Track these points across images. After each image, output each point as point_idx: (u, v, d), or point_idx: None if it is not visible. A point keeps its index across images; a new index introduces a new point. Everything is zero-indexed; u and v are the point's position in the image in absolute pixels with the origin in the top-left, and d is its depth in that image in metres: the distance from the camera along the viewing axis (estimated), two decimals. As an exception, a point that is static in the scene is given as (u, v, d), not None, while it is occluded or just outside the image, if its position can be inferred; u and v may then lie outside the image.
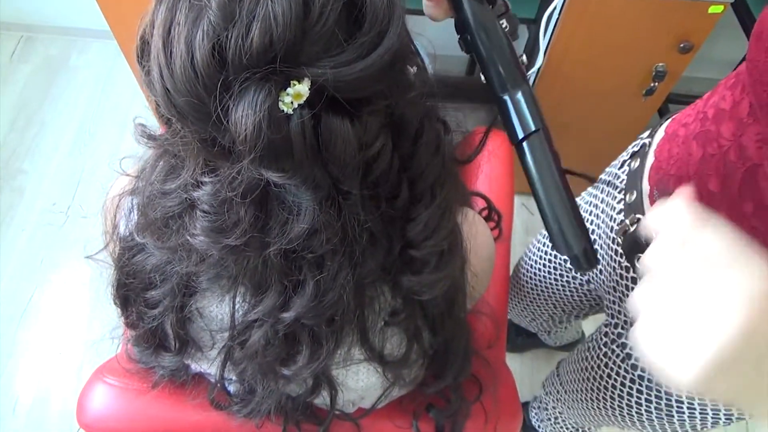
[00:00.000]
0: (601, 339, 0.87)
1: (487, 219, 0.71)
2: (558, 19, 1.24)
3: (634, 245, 0.68)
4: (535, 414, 1.36)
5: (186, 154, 0.45)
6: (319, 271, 0.48)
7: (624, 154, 0.80)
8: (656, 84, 1.31)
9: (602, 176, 0.87)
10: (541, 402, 1.30)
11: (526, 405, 1.41)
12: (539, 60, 1.33)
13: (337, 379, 0.65)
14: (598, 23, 1.21)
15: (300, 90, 0.37)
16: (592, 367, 0.89)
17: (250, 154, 0.38)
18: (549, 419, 1.25)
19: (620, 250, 0.73)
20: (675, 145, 0.64)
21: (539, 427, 1.37)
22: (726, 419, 0.74)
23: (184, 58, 0.37)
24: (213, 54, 0.37)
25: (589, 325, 1.29)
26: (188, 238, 0.48)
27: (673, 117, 0.70)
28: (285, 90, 0.37)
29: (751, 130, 0.52)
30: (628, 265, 0.71)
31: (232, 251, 0.47)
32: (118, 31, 1.42)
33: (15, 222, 1.81)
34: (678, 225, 0.35)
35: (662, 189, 0.64)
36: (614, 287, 0.77)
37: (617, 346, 0.83)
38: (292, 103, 0.37)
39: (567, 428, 1.21)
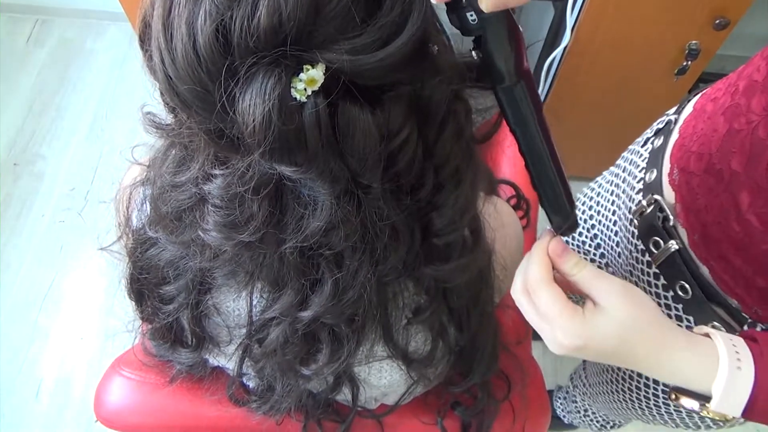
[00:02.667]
0: None
1: (515, 207, 0.68)
2: (587, -6, 1.18)
3: (649, 228, 0.64)
4: (561, 404, 1.34)
5: (194, 145, 0.42)
6: (338, 269, 0.45)
7: (648, 131, 0.76)
8: (689, 63, 1.25)
9: (625, 154, 0.83)
10: (567, 394, 1.27)
11: (549, 394, 1.38)
12: (566, 38, 1.27)
13: (359, 376, 0.63)
14: (628, -2, 1.16)
15: (314, 75, 0.33)
16: (613, 365, 0.86)
17: (259, 147, 0.35)
18: (578, 411, 1.22)
19: (636, 232, 0.69)
20: (701, 120, 0.60)
21: (565, 417, 1.34)
22: None
23: (185, 41, 0.34)
24: (216, 37, 0.33)
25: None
26: (200, 233, 0.45)
27: (704, 92, 0.65)
28: (297, 76, 0.34)
29: None
30: (644, 248, 0.67)
31: (246, 247, 0.44)
32: (132, 13, 1.39)
33: (35, 207, 1.81)
34: (533, 275, 0.48)
35: (682, 168, 0.60)
36: (631, 271, 0.74)
37: None
38: (305, 90, 0.34)
39: (597, 420, 1.18)
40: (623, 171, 0.80)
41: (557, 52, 1.29)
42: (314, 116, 0.35)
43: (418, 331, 0.58)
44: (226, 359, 0.64)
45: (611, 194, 0.83)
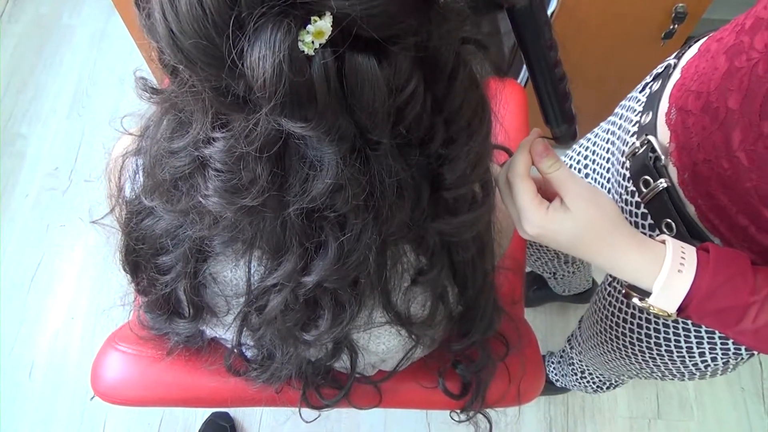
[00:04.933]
0: (606, 288, 0.86)
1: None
2: (573, -41, 1.17)
3: (641, 167, 0.66)
4: (554, 368, 1.36)
5: (195, 108, 0.41)
6: (342, 232, 0.45)
7: (648, 76, 0.77)
8: (676, 26, 1.25)
9: (623, 102, 0.84)
10: (563, 358, 1.29)
11: (542, 359, 1.41)
12: (553, 3, 1.26)
13: (358, 342, 0.63)
14: (615, -38, 1.15)
15: (322, 27, 0.32)
16: (602, 316, 0.88)
17: (270, 101, 0.34)
18: (575, 374, 1.24)
19: (627, 174, 0.71)
20: (704, 60, 0.60)
21: (558, 381, 1.36)
22: (735, 354, 0.72)
23: None
24: None
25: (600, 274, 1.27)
26: (200, 199, 0.44)
27: (711, 34, 0.65)
28: (305, 28, 0.33)
29: None
30: (634, 189, 0.69)
31: (248, 212, 0.43)
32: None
33: (18, 188, 1.78)
34: (513, 168, 0.54)
35: (680, 107, 0.61)
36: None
37: (618, 293, 0.82)
38: (313, 42, 0.33)
39: (593, 382, 1.20)
40: (619, 118, 0.81)
41: (545, 18, 1.28)
42: (323, 69, 0.34)
43: (417, 295, 0.58)
44: (224, 329, 0.64)
45: (607, 142, 0.85)
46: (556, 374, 1.36)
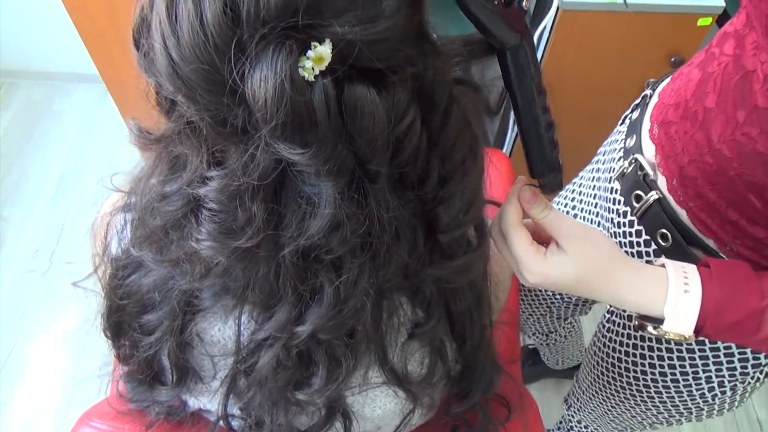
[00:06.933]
0: (605, 325, 0.85)
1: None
2: (548, 38, 1.24)
3: (632, 184, 0.68)
4: (553, 444, 1.30)
5: (191, 143, 0.41)
6: (338, 275, 0.43)
7: (628, 110, 0.80)
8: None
9: (604, 143, 0.87)
10: (559, 428, 1.24)
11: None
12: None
13: (353, 407, 0.60)
14: (588, 41, 1.21)
15: (322, 53, 0.33)
16: (603, 355, 0.86)
17: (270, 121, 0.34)
18: None
19: (618, 198, 0.73)
20: (678, 81, 0.64)
21: (558, 458, 1.30)
22: (741, 374, 0.69)
23: (192, 19, 0.33)
24: (225, 10, 0.33)
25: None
26: (193, 244, 0.43)
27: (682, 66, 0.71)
28: (305, 54, 0.33)
29: (747, 40, 0.53)
30: (626, 209, 0.70)
31: (241, 256, 0.42)
32: (106, 72, 1.39)
33: (-5, 271, 1.73)
34: (505, 218, 0.54)
35: (661, 121, 0.64)
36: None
37: (617, 326, 0.80)
38: (313, 68, 0.34)
39: None
40: (603, 155, 0.83)
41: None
42: (323, 95, 0.34)
43: (414, 351, 0.56)
44: (209, 398, 0.61)
45: (592, 180, 0.87)
46: (556, 451, 1.30)
